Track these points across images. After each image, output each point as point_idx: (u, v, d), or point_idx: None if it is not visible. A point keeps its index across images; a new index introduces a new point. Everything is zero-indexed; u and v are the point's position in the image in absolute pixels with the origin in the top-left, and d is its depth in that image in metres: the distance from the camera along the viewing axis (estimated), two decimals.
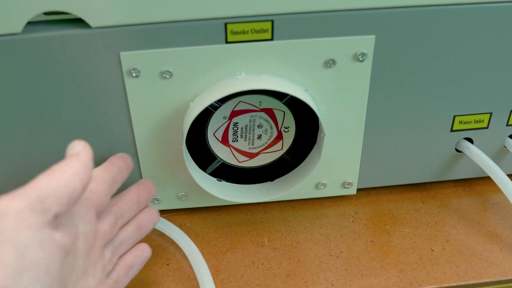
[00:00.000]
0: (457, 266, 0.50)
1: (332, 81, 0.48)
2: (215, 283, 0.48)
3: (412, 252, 0.52)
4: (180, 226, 0.53)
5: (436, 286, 0.49)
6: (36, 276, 0.32)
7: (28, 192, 0.33)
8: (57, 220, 0.35)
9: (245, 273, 0.50)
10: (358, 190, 0.56)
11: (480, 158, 0.53)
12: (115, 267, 0.44)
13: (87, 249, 0.38)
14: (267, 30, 0.45)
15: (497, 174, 0.52)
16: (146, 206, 0.49)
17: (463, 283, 0.49)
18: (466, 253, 0.52)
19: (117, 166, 0.46)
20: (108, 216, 0.43)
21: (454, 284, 0.49)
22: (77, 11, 0.43)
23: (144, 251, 0.47)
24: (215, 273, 0.50)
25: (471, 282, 0.49)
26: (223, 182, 0.53)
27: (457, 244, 0.52)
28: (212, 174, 0.53)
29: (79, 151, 0.36)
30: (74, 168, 0.35)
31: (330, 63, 0.47)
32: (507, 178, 0.52)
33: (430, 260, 0.51)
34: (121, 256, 0.45)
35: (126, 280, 0.45)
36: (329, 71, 0.48)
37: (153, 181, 0.50)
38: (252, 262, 0.51)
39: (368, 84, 0.49)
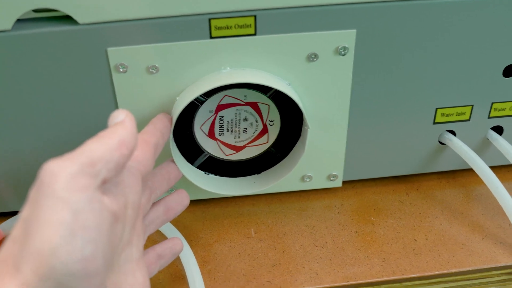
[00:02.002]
0: (439, 255, 0.52)
1: (315, 75, 0.50)
2: (202, 273, 0.50)
3: (395, 242, 0.54)
4: None
5: (418, 274, 0.51)
6: (88, 238, 0.32)
7: (79, 155, 0.33)
8: (106, 186, 0.36)
9: (232, 263, 0.52)
10: (343, 182, 0.58)
11: (462, 150, 0.56)
12: (145, 253, 0.46)
13: (133, 219, 0.39)
14: (250, 25, 0.47)
15: (479, 165, 0.54)
16: (176, 190, 0.50)
17: (445, 271, 0.51)
18: (448, 242, 0.54)
19: (159, 129, 0.46)
20: (145, 189, 0.44)
21: (436, 272, 0.51)
22: (65, 8, 0.45)
23: (175, 244, 0.48)
24: (202, 264, 0.52)
25: (453, 270, 0.51)
26: (211, 175, 0.55)
27: (440, 234, 0.54)
28: (200, 167, 0.55)
29: (124, 119, 0.37)
30: (121, 134, 0.36)
31: (312, 57, 0.49)
32: (489, 170, 0.54)
33: (413, 249, 0.53)
34: (152, 246, 0.47)
35: (155, 269, 0.46)
36: (312, 65, 0.50)
37: None
38: (239, 253, 0.53)
39: (350, 77, 0.51)
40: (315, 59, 0.49)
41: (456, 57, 0.52)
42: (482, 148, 0.58)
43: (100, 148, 0.34)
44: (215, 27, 0.47)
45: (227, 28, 0.47)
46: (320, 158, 0.56)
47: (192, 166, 0.54)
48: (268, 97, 0.52)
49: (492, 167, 0.55)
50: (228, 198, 0.59)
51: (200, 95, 0.50)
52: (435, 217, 0.56)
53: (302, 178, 0.57)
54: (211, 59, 0.48)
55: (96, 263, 0.32)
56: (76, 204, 0.32)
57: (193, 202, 0.58)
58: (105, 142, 0.35)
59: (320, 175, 0.57)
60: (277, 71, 0.50)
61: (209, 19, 0.47)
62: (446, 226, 0.55)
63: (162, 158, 0.51)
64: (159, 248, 0.47)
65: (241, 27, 0.47)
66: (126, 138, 0.36)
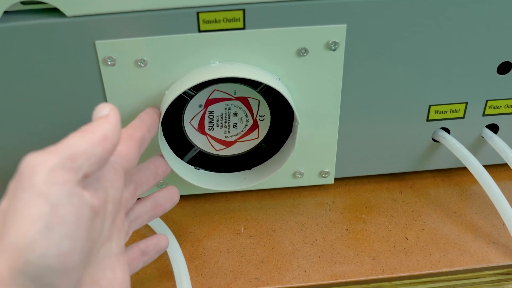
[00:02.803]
0: (431, 255, 0.52)
1: (305, 70, 0.50)
2: (189, 269, 0.50)
3: (386, 240, 0.53)
4: None
5: (408, 273, 0.50)
6: (66, 232, 0.32)
7: (61, 149, 0.33)
8: (87, 181, 0.36)
9: (220, 259, 0.52)
10: (336, 179, 0.58)
11: (456, 148, 0.55)
12: (128, 249, 0.46)
13: (114, 214, 0.39)
14: (239, 19, 0.47)
15: (473, 164, 0.54)
16: (166, 186, 0.50)
17: (435, 271, 0.51)
18: (440, 242, 0.53)
19: (146, 124, 0.46)
20: (129, 184, 0.44)
21: (427, 272, 0.51)
22: (52, 1, 0.45)
23: (160, 241, 0.48)
24: (190, 259, 0.52)
25: (443, 270, 0.51)
26: (201, 170, 0.55)
27: (432, 233, 0.54)
28: (190, 162, 0.55)
29: (108, 113, 0.37)
30: (104, 129, 0.35)
31: (302, 52, 0.49)
32: (483, 168, 0.54)
33: (404, 248, 0.53)
34: (136, 242, 0.47)
35: (138, 266, 0.46)
36: (302, 60, 0.49)
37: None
38: (227, 249, 0.53)
39: (341, 73, 0.51)
40: (305, 54, 0.49)
41: (449, 54, 0.51)
42: (477, 146, 0.58)
43: (82, 142, 0.34)
44: (203, 21, 0.47)
45: (216, 22, 0.47)
46: (311, 154, 0.55)
47: (182, 161, 0.54)
48: (258, 92, 0.51)
49: (487, 166, 0.55)
50: (219, 193, 0.59)
51: (189, 89, 0.50)
52: (428, 215, 0.56)
53: (294, 175, 0.56)
54: (199, 53, 0.48)
55: (73, 258, 0.32)
56: (55, 198, 0.32)
57: (183, 197, 0.58)
58: (88, 136, 0.35)
59: (312, 172, 0.56)
60: (267, 65, 0.49)
61: (197, 13, 0.47)
62: (438, 225, 0.55)
63: (151, 152, 0.51)
64: (143, 244, 0.47)
65: (229, 21, 0.47)
66: (109, 133, 0.36)
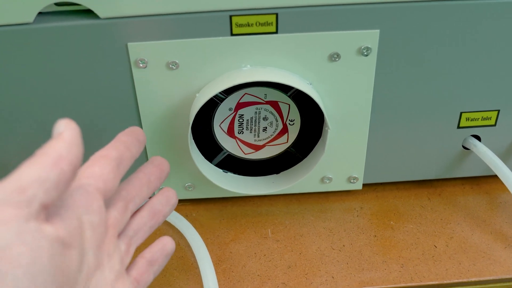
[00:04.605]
0: (460, 263, 0.52)
1: (337, 75, 0.50)
2: (217, 272, 0.51)
3: (415, 248, 0.53)
4: (186, 216, 0.56)
5: (437, 282, 0.51)
6: (23, 275, 0.29)
7: (6, 183, 0.30)
8: (49, 211, 0.33)
9: (247, 263, 0.52)
10: (364, 185, 0.58)
11: (487, 156, 0.55)
12: (134, 264, 0.43)
13: (97, 240, 0.37)
14: (272, 23, 0.48)
15: (503, 172, 0.54)
16: (161, 189, 0.46)
17: (465, 280, 0.51)
18: (469, 250, 0.53)
19: (123, 142, 0.42)
20: (117, 202, 0.41)
21: (456, 280, 0.51)
22: (86, 2, 0.46)
23: (166, 244, 0.45)
24: (217, 263, 0.52)
25: (473, 279, 0.51)
26: (229, 174, 0.56)
27: (461, 241, 0.54)
28: (219, 165, 0.55)
29: (62, 131, 0.33)
30: (58, 149, 0.32)
31: (334, 57, 0.49)
32: None
33: (433, 256, 0.53)
34: (141, 253, 0.44)
35: (149, 278, 0.43)
36: (334, 65, 0.50)
37: (163, 158, 0.46)
38: (255, 253, 0.53)
39: (373, 78, 0.51)
40: (337, 59, 0.49)
41: (482, 60, 0.51)
42: (509, 154, 0.58)
43: (32, 169, 0.31)
44: (236, 24, 0.48)
45: (248, 25, 0.48)
46: (340, 160, 0.56)
47: (210, 164, 0.55)
48: (289, 96, 0.52)
49: None
50: (246, 197, 0.59)
51: (220, 93, 0.51)
52: (457, 223, 0.56)
53: (322, 180, 0.57)
54: (231, 56, 0.49)
55: None
56: (3, 239, 0.29)
57: (211, 200, 0.59)
58: (39, 161, 0.31)
59: (340, 177, 0.57)
60: (298, 70, 0.50)
61: (230, 16, 0.47)
62: (467, 233, 0.55)
63: (183, 157, 0.51)
64: (148, 253, 0.44)
65: (262, 24, 0.48)
66: (63, 152, 0.32)
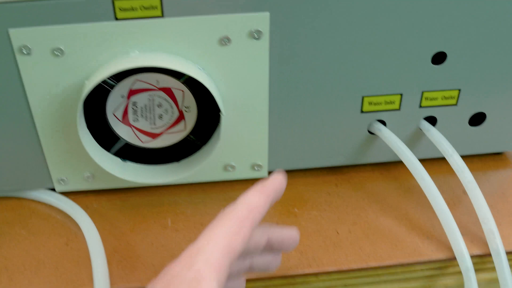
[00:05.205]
0: (361, 249, 0.51)
1: (229, 60, 0.49)
2: (111, 263, 0.50)
3: (317, 234, 0.53)
4: (86, 208, 0.55)
5: (335, 268, 0.50)
6: None
7: None
8: None
9: (143, 254, 0.51)
10: (270, 173, 0.57)
11: (391, 141, 0.54)
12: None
13: None
14: (157, 7, 0.47)
15: (407, 156, 0.53)
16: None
17: (364, 265, 0.50)
18: (372, 236, 0.53)
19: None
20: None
21: (355, 267, 0.50)
22: None
23: (273, 261, 0.45)
24: (112, 254, 0.51)
25: (372, 265, 0.50)
26: (129, 163, 0.54)
27: (364, 227, 0.53)
28: (118, 154, 0.54)
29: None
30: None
31: (225, 40, 0.48)
32: (417, 161, 0.53)
33: (334, 242, 0.52)
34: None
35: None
36: (225, 49, 0.49)
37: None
38: (152, 243, 0.52)
39: (267, 62, 0.50)
40: (228, 43, 0.48)
41: (381, 43, 0.51)
42: (416, 139, 0.57)
43: None
44: (119, 9, 0.46)
45: (133, 9, 0.47)
46: (242, 147, 0.55)
47: (108, 153, 0.54)
48: (182, 82, 0.51)
49: (427, 160, 0.54)
50: (149, 187, 0.58)
51: (110, 80, 0.50)
52: (363, 209, 0.55)
53: (225, 168, 0.56)
54: (118, 42, 0.48)
55: None
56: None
57: (114, 191, 0.58)
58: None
59: (244, 165, 0.56)
60: (189, 55, 0.49)
61: (113, 0, 0.46)
62: (372, 219, 0.54)
63: (63, 145, 0.51)
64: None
65: (147, 8, 0.47)
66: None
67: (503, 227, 0.53)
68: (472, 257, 0.51)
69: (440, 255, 0.51)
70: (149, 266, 0.50)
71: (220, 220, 0.38)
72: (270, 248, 0.44)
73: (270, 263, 0.45)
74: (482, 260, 0.52)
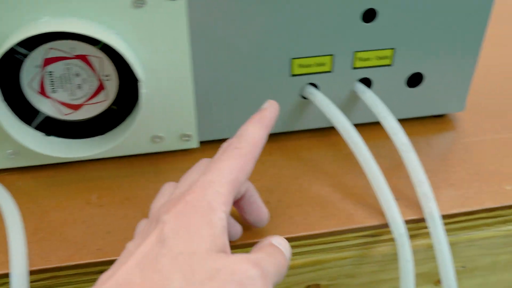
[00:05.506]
0: (291, 218, 0.49)
1: (145, 23, 0.47)
2: (31, 242, 0.48)
3: None
4: (9, 186, 0.52)
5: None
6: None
7: None
8: None
9: (65, 231, 0.49)
10: (203, 143, 0.55)
11: (324, 104, 0.52)
12: None
13: None
14: None
15: (338, 119, 0.51)
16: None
17: (294, 235, 0.48)
18: (304, 204, 0.51)
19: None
20: None
21: (286, 236, 0.48)
22: None
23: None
24: (33, 232, 0.49)
25: (302, 234, 0.48)
26: (52, 137, 0.52)
27: (297, 196, 0.51)
28: (39, 128, 0.52)
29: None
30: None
31: (139, 2, 0.46)
32: (349, 124, 0.51)
33: None
34: None
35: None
36: (140, 12, 0.46)
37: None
38: (75, 220, 0.50)
39: (186, 25, 0.48)
40: (142, 5, 0.46)
41: (307, 0, 0.48)
42: (352, 103, 0.55)
43: None
44: None
45: None
46: (168, 117, 0.52)
47: (29, 128, 0.51)
48: (99, 49, 0.48)
49: (364, 124, 0.52)
50: (77, 163, 0.56)
51: (22, 49, 0.47)
52: (296, 178, 0.53)
53: (152, 139, 0.53)
54: (27, 8, 0.45)
55: None
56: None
57: (40, 168, 0.55)
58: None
59: (172, 135, 0.54)
60: (104, 19, 0.46)
61: None
62: (305, 187, 0.52)
63: None
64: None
65: None
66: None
67: (441, 190, 0.52)
68: (407, 222, 0.49)
69: (373, 221, 0.49)
70: (71, 245, 0.48)
71: (226, 155, 0.41)
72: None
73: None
74: (418, 225, 0.50)
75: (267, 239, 0.42)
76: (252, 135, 0.42)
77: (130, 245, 0.38)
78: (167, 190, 0.45)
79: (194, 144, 0.54)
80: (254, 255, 0.37)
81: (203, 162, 0.45)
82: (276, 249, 0.40)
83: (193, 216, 0.36)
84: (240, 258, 0.36)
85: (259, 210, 0.46)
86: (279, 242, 0.41)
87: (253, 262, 0.36)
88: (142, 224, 0.44)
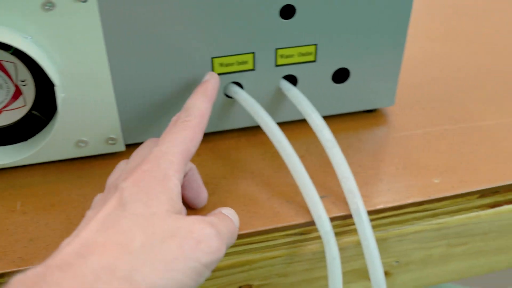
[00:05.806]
0: None
1: (57, 26, 0.46)
2: None
3: None
4: None
5: None
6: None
7: None
8: None
9: None
10: (130, 145, 0.55)
11: (248, 103, 0.52)
12: None
13: None
14: None
15: (262, 118, 0.51)
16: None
17: None
18: (229, 204, 0.50)
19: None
20: None
21: None
22: None
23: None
24: None
25: None
26: None
27: (222, 196, 0.51)
28: None
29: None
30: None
31: (48, 5, 0.45)
32: (273, 123, 0.50)
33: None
34: None
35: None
36: (50, 15, 0.46)
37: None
38: None
39: (99, 26, 0.47)
40: (52, 8, 0.45)
41: None
42: (278, 101, 0.55)
43: None
44: None
45: None
46: (91, 121, 0.52)
47: None
48: (11, 54, 0.48)
49: (294, 122, 0.51)
50: (2, 170, 0.55)
51: None
52: (223, 178, 0.53)
53: (77, 144, 0.53)
54: None
55: None
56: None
57: None
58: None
59: (97, 139, 0.53)
60: (13, 23, 0.46)
61: None
62: (231, 188, 0.52)
63: None
64: None
65: None
66: None
67: (369, 186, 0.51)
68: (335, 219, 0.49)
69: (300, 219, 0.49)
70: None
71: (177, 128, 0.44)
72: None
73: None
74: (346, 222, 0.50)
75: (217, 210, 0.45)
76: (198, 107, 0.46)
77: (89, 213, 0.41)
78: (121, 166, 0.47)
79: (120, 147, 0.54)
80: (209, 217, 0.40)
81: (152, 140, 0.48)
82: (226, 217, 0.43)
83: (151, 182, 0.39)
84: (197, 219, 0.39)
85: (199, 189, 0.50)
86: (229, 212, 0.45)
87: (208, 222, 0.39)
88: (98, 197, 0.45)
